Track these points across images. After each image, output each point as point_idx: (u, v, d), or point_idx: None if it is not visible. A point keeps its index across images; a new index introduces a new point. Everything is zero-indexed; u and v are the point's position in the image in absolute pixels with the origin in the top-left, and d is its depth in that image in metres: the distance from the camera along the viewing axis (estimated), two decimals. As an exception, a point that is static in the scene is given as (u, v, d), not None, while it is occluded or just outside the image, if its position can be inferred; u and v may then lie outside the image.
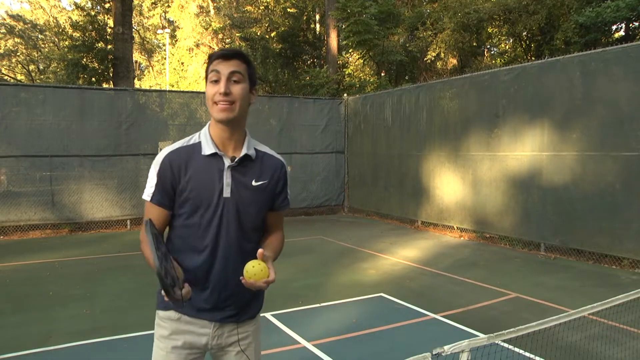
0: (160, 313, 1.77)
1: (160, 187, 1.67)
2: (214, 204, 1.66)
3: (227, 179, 1.67)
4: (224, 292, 1.71)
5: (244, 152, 1.70)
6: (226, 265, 1.70)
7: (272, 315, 4.67)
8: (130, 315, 4.71)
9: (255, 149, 1.75)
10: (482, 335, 2.06)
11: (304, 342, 4.02)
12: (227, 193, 1.67)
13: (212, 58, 1.67)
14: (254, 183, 1.71)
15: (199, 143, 1.70)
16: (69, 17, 21.59)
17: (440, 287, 5.77)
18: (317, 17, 21.06)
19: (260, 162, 1.75)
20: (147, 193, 1.70)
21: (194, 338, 1.72)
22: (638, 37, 12.39)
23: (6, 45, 26.46)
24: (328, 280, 6.06)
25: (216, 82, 1.63)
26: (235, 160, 1.68)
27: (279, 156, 1.83)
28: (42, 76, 26.62)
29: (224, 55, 1.64)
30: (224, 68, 1.62)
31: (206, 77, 1.69)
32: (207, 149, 1.68)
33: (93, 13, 15.73)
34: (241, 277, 1.57)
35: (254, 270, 1.56)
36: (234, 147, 1.70)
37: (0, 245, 8.23)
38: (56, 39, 23.76)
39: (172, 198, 1.69)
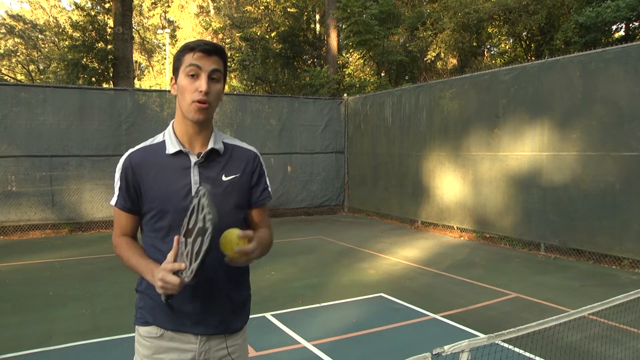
0: (140, 329, 1.64)
1: (124, 191, 1.59)
2: (183, 205, 1.55)
3: (194, 176, 1.57)
4: (207, 299, 1.59)
5: (210, 146, 1.61)
6: (205, 269, 1.48)
7: (272, 315, 4.67)
8: (130, 315, 4.68)
9: (224, 143, 1.66)
10: (482, 335, 2.06)
11: (304, 342, 4.02)
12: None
13: (191, 49, 1.54)
14: (224, 178, 1.61)
15: (163, 142, 1.62)
16: (69, 17, 21.58)
17: (440, 287, 5.77)
18: (317, 17, 21.06)
19: (229, 156, 1.65)
20: (114, 198, 1.62)
21: (180, 355, 1.59)
22: (638, 37, 12.39)
23: (6, 45, 26.45)
24: (328, 280, 6.06)
25: (194, 77, 1.53)
26: (201, 155, 1.59)
27: (251, 147, 1.74)
28: (42, 76, 26.61)
29: (207, 50, 1.53)
30: (206, 64, 1.53)
31: (178, 67, 1.57)
32: (171, 147, 1.59)
33: (93, 13, 15.72)
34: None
35: (224, 240, 1.42)
36: (201, 143, 1.62)
37: (0, 245, 8.23)
38: (56, 39, 23.76)
39: (137, 202, 1.60)
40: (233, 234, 1.44)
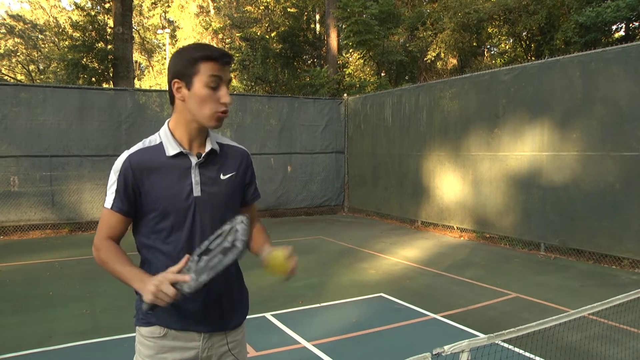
0: (142, 330, 1.64)
1: (121, 193, 1.56)
2: (185, 205, 1.58)
3: (195, 177, 1.60)
4: (208, 298, 1.61)
5: (209, 147, 1.63)
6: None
7: (272, 315, 4.67)
8: (130, 315, 4.68)
9: (218, 143, 1.69)
10: (482, 335, 2.06)
11: (304, 342, 4.02)
12: (197, 192, 1.59)
13: (213, 59, 1.53)
14: (222, 177, 1.65)
15: (161, 144, 1.61)
16: (69, 17, 21.58)
17: (440, 287, 5.77)
18: (317, 17, 21.06)
19: (225, 155, 1.69)
20: (108, 200, 1.58)
21: (183, 354, 1.61)
22: (638, 37, 12.39)
23: (6, 45, 26.45)
24: (328, 280, 6.06)
25: (214, 88, 1.54)
26: (202, 156, 1.62)
27: (242, 146, 1.78)
28: (42, 76, 26.61)
29: (227, 62, 1.57)
30: (225, 75, 1.56)
31: (191, 74, 1.53)
32: (171, 149, 1.59)
33: (93, 13, 15.72)
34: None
35: (275, 262, 1.57)
36: (198, 144, 1.64)
37: (0, 245, 8.23)
38: (56, 39, 23.76)
39: (134, 205, 1.59)
40: (280, 258, 1.55)
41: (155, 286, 1.38)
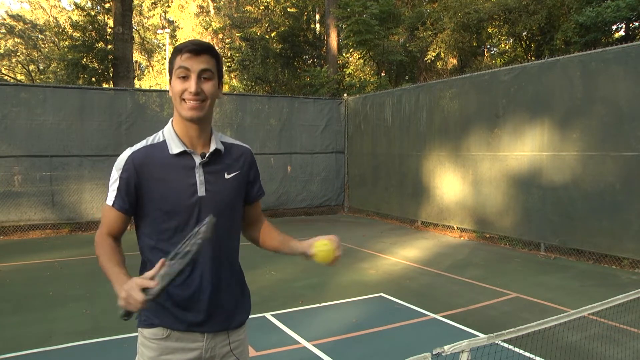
0: (144, 332, 1.62)
1: (123, 191, 1.55)
2: (189, 204, 1.56)
3: (200, 176, 1.59)
4: (212, 297, 1.61)
5: (213, 146, 1.62)
6: (210, 267, 1.61)
7: (272, 315, 4.67)
8: (130, 315, 4.70)
9: (222, 142, 1.68)
10: (482, 335, 2.06)
11: (304, 342, 4.02)
12: (202, 192, 1.58)
13: (180, 51, 1.54)
14: (226, 176, 1.64)
15: (164, 142, 1.61)
16: (69, 17, 21.57)
17: (440, 287, 5.77)
18: (317, 17, 21.06)
19: (229, 154, 1.68)
20: (110, 197, 1.57)
21: (186, 355, 1.60)
22: (638, 37, 12.40)
23: (6, 45, 26.45)
24: (328, 280, 6.06)
25: (184, 78, 1.53)
26: (206, 156, 1.60)
27: (245, 145, 1.77)
28: (42, 76, 26.61)
29: (194, 50, 1.52)
30: (195, 65, 1.52)
31: (171, 70, 1.57)
32: (175, 147, 1.59)
33: (93, 13, 15.73)
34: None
35: (327, 253, 1.67)
36: (202, 143, 1.62)
37: (0, 245, 8.23)
38: (56, 39, 23.75)
39: (135, 203, 1.58)
40: (331, 248, 1.67)
41: (125, 291, 1.33)
